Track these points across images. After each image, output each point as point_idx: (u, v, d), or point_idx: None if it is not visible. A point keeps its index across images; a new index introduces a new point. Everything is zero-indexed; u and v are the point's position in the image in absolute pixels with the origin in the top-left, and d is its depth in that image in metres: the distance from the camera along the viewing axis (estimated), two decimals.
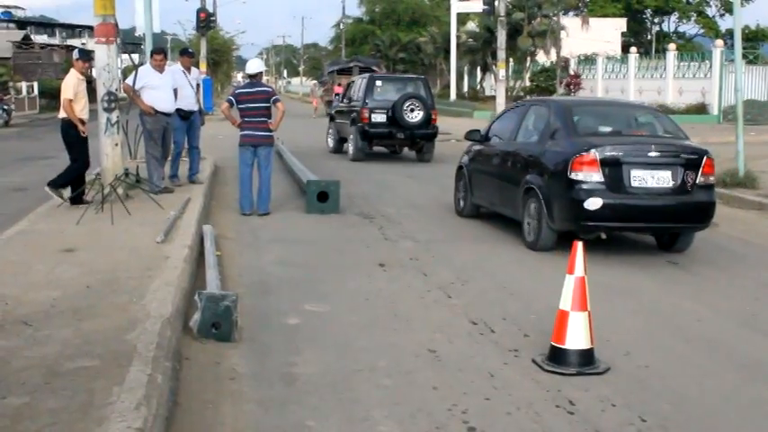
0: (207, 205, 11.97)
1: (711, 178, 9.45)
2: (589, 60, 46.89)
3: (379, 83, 20.59)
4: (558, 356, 5.62)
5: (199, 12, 39.63)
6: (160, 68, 12.85)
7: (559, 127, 9.86)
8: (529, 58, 48.63)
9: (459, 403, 5.05)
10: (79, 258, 7.98)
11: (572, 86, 44.96)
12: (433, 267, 8.79)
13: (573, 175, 9.12)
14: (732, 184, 14.39)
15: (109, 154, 11.41)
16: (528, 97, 45.20)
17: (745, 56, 25.58)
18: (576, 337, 5.55)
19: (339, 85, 41.56)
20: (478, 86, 57.29)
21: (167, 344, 5.43)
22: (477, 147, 11.95)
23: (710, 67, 36.55)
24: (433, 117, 19.88)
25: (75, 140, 11.23)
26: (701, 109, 36.05)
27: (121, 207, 10.41)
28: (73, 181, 11.28)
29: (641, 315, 7.15)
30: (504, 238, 10.58)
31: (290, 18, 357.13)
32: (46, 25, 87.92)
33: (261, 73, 11.97)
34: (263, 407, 4.97)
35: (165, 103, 12.80)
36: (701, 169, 9.23)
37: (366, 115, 19.62)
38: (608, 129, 10.05)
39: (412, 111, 19.25)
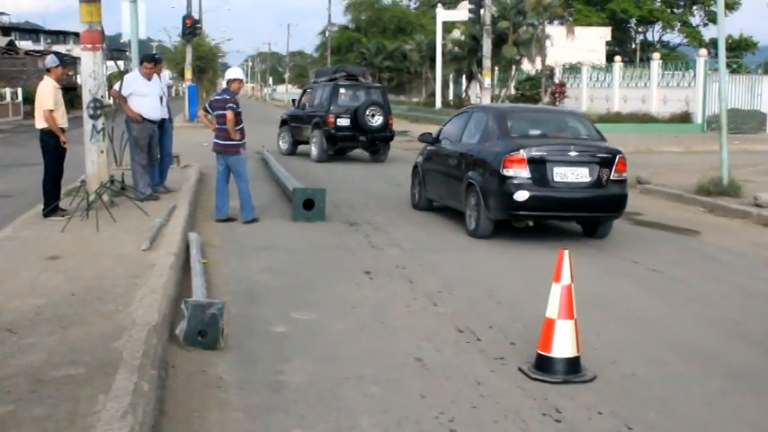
0: (192, 213, 11.93)
1: (624, 174, 10.84)
2: (574, 69, 47.08)
3: (342, 90, 22.30)
4: (544, 364, 5.64)
5: (185, 19, 39.54)
6: (149, 76, 12.84)
7: (495, 130, 11.35)
8: (514, 67, 48.75)
9: (446, 411, 5.05)
10: (64, 266, 7.95)
11: (557, 95, 45.12)
12: (420, 275, 8.80)
13: (504, 172, 10.52)
14: (716, 193, 14.47)
15: (95, 161, 11.37)
16: None
17: (728, 65, 25.78)
18: (563, 345, 5.56)
19: None
20: (464, 95, 57.38)
21: (153, 352, 5.41)
22: (430, 148, 13.31)
23: (694, 76, 36.77)
24: (390, 122, 21.85)
25: (54, 150, 11.00)
26: (684, 118, 36.27)
27: (107, 214, 10.38)
28: (53, 192, 11.04)
29: (627, 323, 7.17)
30: (489, 246, 10.60)
31: (276, 25, 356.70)
32: (31, 31, 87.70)
33: (235, 81, 11.89)
34: (249, 415, 4.96)
35: (153, 111, 12.80)
36: (614, 167, 10.66)
37: (332, 120, 21.34)
38: (537, 132, 11.48)
39: (373, 116, 21.23)
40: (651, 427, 4.93)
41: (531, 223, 11.23)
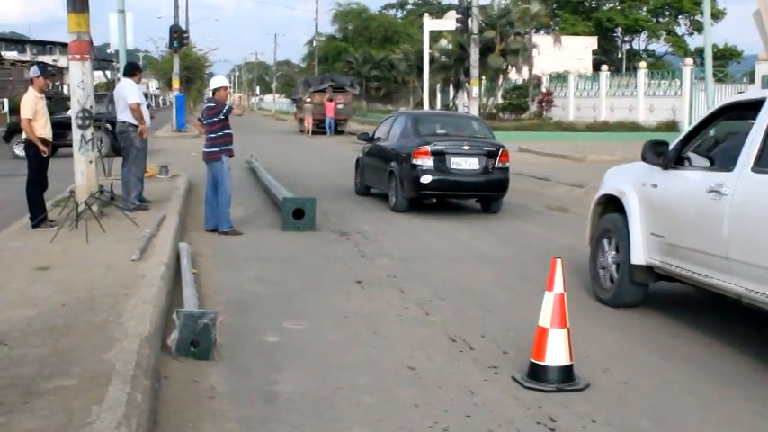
0: (182, 223, 11.90)
1: (507, 164, 14.07)
2: (561, 78, 47.23)
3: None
4: (537, 373, 5.64)
5: (172, 29, 39.55)
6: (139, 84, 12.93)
7: (410, 130, 14.65)
8: (501, 76, 48.90)
9: (440, 420, 5.04)
10: (54, 276, 7.91)
11: (544, 104, 45.27)
12: (411, 284, 8.80)
13: (414, 161, 13.70)
14: None
15: (83, 171, 11.33)
16: (500, 115, 45.67)
17: (714, 74, 25.89)
18: (556, 354, 5.57)
19: (330, 100, 42.82)
20: (451, 104, 57.51)
21: (146, 362, 5.38)
22: (368, 145, 16.39)
23: (681, 85, 36.95)
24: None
25: (35, 159, 10.94)
26: (671, 126, 36.40)
27: (96, 225, 10.34)
28: (37, 203, 10.96)
29: (619, 331, 7.18)
30: (478, 256, 10.63)
31: (263, 35, 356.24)
32: (16, 41, 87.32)
33: (218, 89, 11.82)
34: (243, 425, 4.93)
35: (149, 120, 12.90)
36: (498, 158, 13.88)
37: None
38: (442, 131, 14.86)
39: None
40: None
41: (434, 200, 14.47)
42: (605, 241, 8.17)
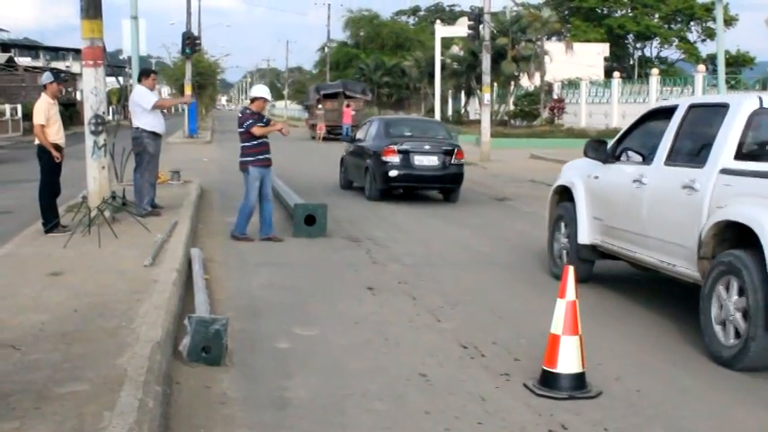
0: (194, 228, 11.91)
1: (462, 160, 16.88)
2: (573, 85, 47.16)
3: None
4: (549, 380, 5.62)
5: (184, 35, 39.66)
6: (151, 89, 12.92)
7: (382, 132, 17.40)
8: (513, 83, 48.86)
9: (451, 428, 5.03)
10: (67, 282, 7.93)
11: (556, 111, 45.21)
12: (422, 291, 8.79)
13: (383, 158, 16.42)
14: None
15: (96, 177, 11.36)
16: (512, 121, 45.61)
17: (726, 81, 25.78)
18: (568, 361, 5.55)
19: (348, 106, 42.72)
20: (463, 110, 57.54)
21: (158, 368, 5.39)
22: (350, 145, 19.16)
23: (693, 91, 36.84)
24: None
25: (47, 165, 10.97)
26: None
27: (108, 230, 10.36)
28: (50, 208, 11.00)
29: (631, 339, 7.16)
30: (488, 263, 10.61)
31: (275, 41, 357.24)
32: (30, 48, 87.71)
33: (254, 99, 11.65)
34: (254, 431, 4.93)
35: (162, 124, 12.91)
36: (454, 155, 16.59)
37: None
38: (408, 133, 17.62)
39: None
40: None
41: (401, 191, 17.17)
42: (560, 225, 9.49)
